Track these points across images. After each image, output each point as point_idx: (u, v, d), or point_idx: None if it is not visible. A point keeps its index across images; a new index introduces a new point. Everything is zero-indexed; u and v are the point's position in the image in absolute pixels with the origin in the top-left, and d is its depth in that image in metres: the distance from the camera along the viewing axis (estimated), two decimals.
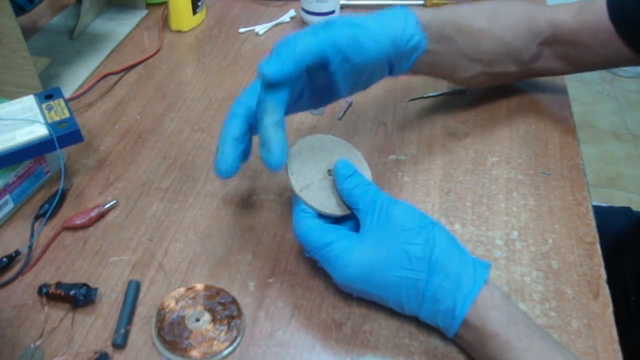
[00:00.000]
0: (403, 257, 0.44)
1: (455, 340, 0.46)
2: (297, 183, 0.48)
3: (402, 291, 0.45)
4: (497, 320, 0.42)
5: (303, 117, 0.69)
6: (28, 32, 0.83)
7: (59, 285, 0.48)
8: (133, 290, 0.49)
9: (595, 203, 0.64)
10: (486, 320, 0.42)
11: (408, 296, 0.45)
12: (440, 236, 0.45)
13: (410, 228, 0.45)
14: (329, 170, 0.50)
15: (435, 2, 0.89)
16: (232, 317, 0.47)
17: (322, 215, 0.48)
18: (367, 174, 0.51)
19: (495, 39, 0.62)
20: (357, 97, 0.72)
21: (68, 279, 0.51)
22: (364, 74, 0.53)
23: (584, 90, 2.30)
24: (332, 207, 0.49)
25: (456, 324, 0.43)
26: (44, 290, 0.48)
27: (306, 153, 0.50)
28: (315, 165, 0.50)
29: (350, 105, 0.71)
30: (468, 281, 0.43)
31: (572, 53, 0.65)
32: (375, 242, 0.45)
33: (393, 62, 0.55)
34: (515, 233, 0.55)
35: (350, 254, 0.45)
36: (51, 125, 0.56)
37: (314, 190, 0.49)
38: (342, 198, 0.49)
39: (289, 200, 0.58)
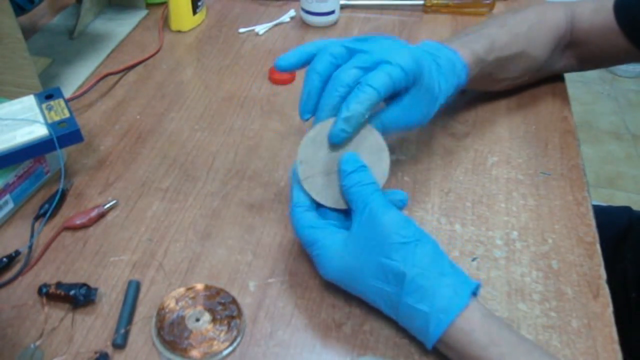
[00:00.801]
0: (378, 270, 0.44)
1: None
2: (303, 171, 0.48)
3: (378, 299, 0.45)
4: (476, 343, 0.41)
5: None
6: (28, 32, 0.83)
7: (59, 285, 0.48)
8: (133, 290, 0.49)
9: (595, 203, 0.64)
10: (465, 344, 0.42)
11: (385, 305, 0.45)
12: (422, 255, 0.43)
13: (392, 242, 0.43)
14: None
15: (435, 2, 0.89)
16: (232, 317, 0.47)
17: (321, 205, 0.48)
18: (382, 165, 0.49)
19: (529, 59, 0.65)
20: None
21: (68, 279, 0.51)
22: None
23: (584, 90, 2.30)
24: (331, 200, 0.48)
25: (430, 344, 0.43)
26: (44, 290, 0.48)
27: (321, 139, 0.49)
28: (327, 154, 0.49)
29: None
30: (444, 305, 0.42)
31: (586, 52, 0.68)
32: (356, 248, 0.45)
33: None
34: (515, 233, 0.55)
35: (332, 255, 0.46)
36: (51, 125, 0.56)
37: (318, 181, 0.48)
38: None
39: (289, 200, 0.58)
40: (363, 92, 0.46)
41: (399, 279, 0.43)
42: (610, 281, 0.51)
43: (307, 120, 0.51)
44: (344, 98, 0.47)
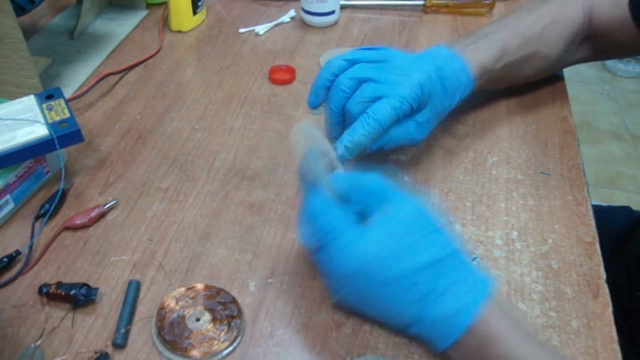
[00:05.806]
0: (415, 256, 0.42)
1: (448, 353, 0.43)
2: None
3: (402, 297, 0.42)
4: (503, 324, 0.41)
5: (303, 118, 0.69)
6: (28, 32, 0.83)
7: (59, 285, 0.49)
8: (133, 290, 0.49)
9: (595, 203, 0.64)
10: (489, 324, 0.41)
11: (408, 303, 0.42)
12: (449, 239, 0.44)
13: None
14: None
15: (435, 2, 0.89)
16: (232, 317, 0.47)
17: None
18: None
19: (542, 59, 0.65)
20: None
21: (68, 279, 0.51)
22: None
23: (584, 90, 2.30)
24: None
25: (459, 329, 0.41)
26: (45, 290, 0.48)
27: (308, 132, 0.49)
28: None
29: None
30: (471, 289, 0.42)
31: (604, 44, 0.68)
32: (385, 235, 0.42)
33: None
34: (515, 233, 0.55)
35: (354, 244, 0.42)
36: (51, 125, 0.56)
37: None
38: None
39: (289, 200, 0.58)
40: (368, 124, 0.51)
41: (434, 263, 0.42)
42: (615, 280, 0.51)
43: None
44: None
